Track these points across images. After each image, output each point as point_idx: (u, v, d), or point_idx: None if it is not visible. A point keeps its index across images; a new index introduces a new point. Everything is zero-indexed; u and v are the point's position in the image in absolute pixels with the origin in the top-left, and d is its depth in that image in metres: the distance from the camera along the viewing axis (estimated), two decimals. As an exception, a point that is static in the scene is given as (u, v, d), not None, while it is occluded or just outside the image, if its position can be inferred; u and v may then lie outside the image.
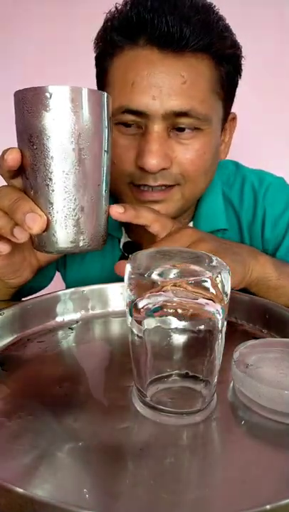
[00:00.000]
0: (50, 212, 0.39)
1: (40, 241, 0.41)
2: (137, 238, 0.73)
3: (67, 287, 0.55)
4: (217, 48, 0.56)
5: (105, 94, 0.40)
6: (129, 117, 0.56)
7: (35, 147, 0.38)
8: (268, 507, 0.23)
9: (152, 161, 0.55)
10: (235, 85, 0.63)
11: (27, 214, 0.39)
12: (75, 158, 0.38)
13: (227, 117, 0.65)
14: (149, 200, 0.61)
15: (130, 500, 0.27)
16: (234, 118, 0.68)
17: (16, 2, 1.28)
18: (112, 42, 0.57)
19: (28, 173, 0.40)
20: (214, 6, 0.58)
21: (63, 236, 0.40)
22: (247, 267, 0.52)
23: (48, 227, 0.40)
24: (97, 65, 0.62)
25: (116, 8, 0.57)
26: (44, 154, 0.38)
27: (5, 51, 1.29)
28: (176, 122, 0.56)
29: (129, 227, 0.73)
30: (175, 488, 0.27)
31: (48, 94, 0.37)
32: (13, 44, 1.29)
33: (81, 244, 0.41)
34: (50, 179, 0.39)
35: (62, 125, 0.38)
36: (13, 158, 0.39)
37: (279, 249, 0.71)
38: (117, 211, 0.46)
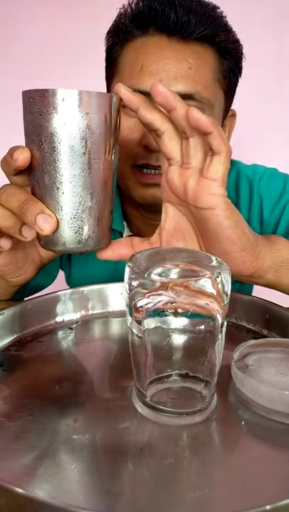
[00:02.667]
0: (58, 213, 0.40)
1: (48, 240, 0.42)
2: (138, 231, 0.73)
3: (72, 285, 0.55)
4: (221, 40, 0.60)
5: (115, 96, 0.40)
6: None
7: (45, 149, 0.39)
8: (268, 507, 0.23)
9: None
10: (236, 82, 0.65)
11: (38, 215, 0.39)
12: (85, 161, 0.39)
13: (227, 112, 0.67)
14: (150, 183, 0.62)
15: (130, 500, 0.27)
16: (234, 115, 0.71)
17: (16, 2, 1.28)
18: (125, 32, 0.60)
19: (37, 174, 0.40)
20: (218, 7, 0.61)
21: (71, 237, 0.41)
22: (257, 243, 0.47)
23: (57, 227, 0.40)
24: (107, 56, 0.65)
25: (129, 2, 0.61)
26: (54, 157, 0.38)
27: (5, 51, 1.29)
28: None
29: (131, 220, 0.73)
30: (175, 488, 0.27)
31: (60, 98, 0.37)
32: (13, 44, 1.29)
33: (88, 244, 0.41)
34: (61, 182, 0.39)
35: (74, 129, 0.38)
36: (23, 159, 0.40)
37: (276, 232, 0.72)
38: (125, 88, 0.41)
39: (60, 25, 1.27)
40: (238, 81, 0.65)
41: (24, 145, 0.41)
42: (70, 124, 0.38)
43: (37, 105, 0.38)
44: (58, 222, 0.40)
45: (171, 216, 0.47)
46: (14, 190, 0.42)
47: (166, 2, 0.57)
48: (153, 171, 0.62)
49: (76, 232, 0.41)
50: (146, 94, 0.56)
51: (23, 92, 0.39)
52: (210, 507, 0.27)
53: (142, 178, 0.62)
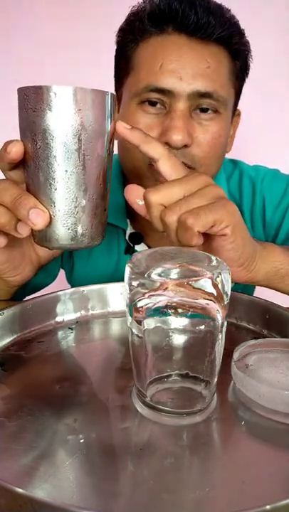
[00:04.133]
0: (51, 209, 0.40)
1: (42, 236, 0.42)
2: (142, 229, 0.73)
3: (73, 283, 0.55)
4: (235, 42, 0.61)
5: (109, 93, 0.40)
6: (155, 95, 0.59)
7: (38, 145, 0.39)
8: (267, 507, 0.23)
9: (178, 137, 0.57)
10: (243, 83, 0.67)
11: (31, 210, 0.39)
12: (79, 158, 0.39)
13: (235, 111, 0.68)
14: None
15: (130, 501, 0.27)
16: (239, 114, 0.72)
17: (16, 2, 1.28)
18: (140, 30, 0.61)
19: (30, 170, 0.40)
20: (230, 10, 0.62)
21: (64, 233, 0.41)
22: (254, 246, 0.49)
23: (50, 223, 0.40)
24: (119, 53, 0.65)
25: (144, 1, 0.62)
26: (47, 153, 0.39)
27: (5, 51, 1.29)
28: (199, 103, 0.60)
29: (134, 217, 0.73)
30: (175, 488, 0.27)
31: (53, 94, 0.37)
32: (13, 44, 1.29)
33: (82, 241, 0.41)
34: (53, 178, 0.39)
35: (67, 126, 0.38)
36: (16, 152, 0.40)
37: (279, 234, 0.73)
38: (124, 126, 0.43)
39: (60, 25, 1.27)
40: (244, 82, 0.67)
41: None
42: (62, 121, 0.38)
43: (31, 102, 0.38)
44: (51, 218, 0.40)
45: None
46: (8, 185, 0.42)
47: (185, 2, 0.58)
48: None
49: (69, 229, 0.41)
50: (166, 92, 0.59)
51: (18, 89, 0.39)
52: (210, 507, 0.27)
53: (162, 176, 0.62)
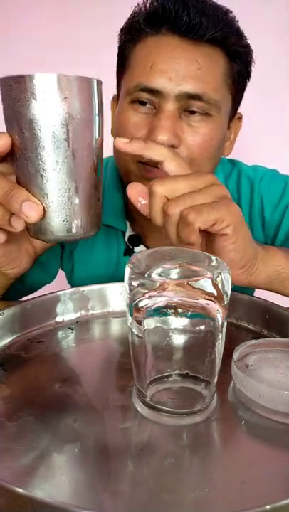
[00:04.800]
0: (44, 201, 0.39)
1: (36, 229, 0.41)
2: (141, 231, 0.73)
3: (74, 284, 0.55)
4: (231, 43, 0.60)
5: (95, 80, 0.39)
6: (145, 95, 0.59)
7: (26, 137, 0.38)
8: (267, 507, 0.23)
9: (163, 137, 0.57)
10: (244, 87, 0.66)
11: (24, 203, 0.39)
12: (68, 147, 0.38)
13: (234, 115, 0.68)
14: (156, 177, 0.62)
15: (130, 500, 0.27)
16: (240, 118, 0.71)
17: (16, 2, 1.28)
18: (137, 30, 0.61)
19: (20, 163, 0.39)
20: (230, 11, 0.62)
21: (59, 225, 0.40)
22: (256, 252, 0.49)
23: (44, 215, 0.40)
24: (120, 53, 0.65)
25: (144, 1, 0.62)
26: (36, 144, 0.38)
27: (5, 51, 1.29)
28: (188, 104, 0.59)
29: (133, 219, 0.73)
30: (175, 488, 0.27)
31: (36, 83, 0.36)
32: (13, 44, 1.29)
33: (77, 232, 0.41)
34: (44, 169, 0.38)
35: (53, 115, 0.37)
36: (3, 144, 0.39)
37: (278, 234, 0.73)
38: (122, 141, 0.44)
39: (60, 25, 1.27)
40: (246, 85, 0.66)
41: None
42: (49, 110, 0.37)
43: (14, 92, 0.37)
44: (44, 210, 0.39)
45: None
46: None
47: (179, 2, 0.57)
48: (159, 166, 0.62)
49: (64, 220, 0.40)
50: (155, 92, 0.58)
51: (0, 79, 0.38)
52: (210, 507, 0.27)
53: (148, 173, 0.62)
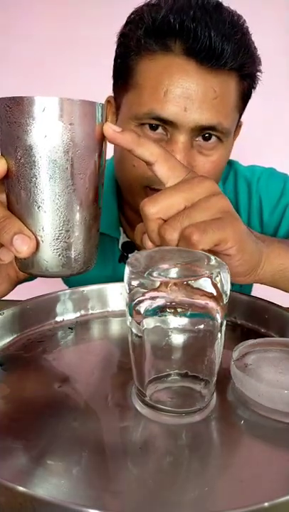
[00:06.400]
0: (39, 234, 0.36)
1: (27, 262, 0.37)
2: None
3: (70, 285, 0.53)
4: (247, 67, 0.58)
5: (100, 104, 0.37)
6: (157, 122, 0.57)
7: (23, 163, 0.35)
8: (266, 504, 0.23)
9: None
10: (250, 97, 0.65)
11: (15, 235, 0.35)
12: (69, 177, 0.35)
13: (237, 125, 0.67)
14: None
15: (129, 499, 0.27)
16: (240, 125, 0.70)
17: (16, 2, 1.28)
18: (143, 43, 0.56)
19: (15, 190, 0.36)
20: (244, 21, 0.58)
21: (54, 260, 0.37)
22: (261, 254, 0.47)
23: (37, 248, 0.36)
24: (120, 61, 0.61)
25: (148, 5, 0.56)
26: (34, 172, 0.35)
27: (5, 51, 1.29)
28: (201, 133, 0.58)
29: (127, 226, 0.73)
30: (174, 487, 0.28)
31: (38, 107, 0.33)
32: (13, 44, 1.29)
33: (74, 267, 0.38)
34: (42, 199, 0.35)
35: (55, 142, 0.34)
36: None
37: (278, 234, 0.72)
38: (114, 129, 0.37)
39: (60, 25, 1.27)
40: (251, 96, 0.64)
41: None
42: (51, 136, 0.34)
43: (14, 115, 0.34)
44: (38, 243, 0.36)
45: None
46: None
47: (198, 20, 0.51)
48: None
49: (60, 255, 0.37)
50: (169, 123, 0.56)
51: None
52: (209, 506, 0.27)
53: None
